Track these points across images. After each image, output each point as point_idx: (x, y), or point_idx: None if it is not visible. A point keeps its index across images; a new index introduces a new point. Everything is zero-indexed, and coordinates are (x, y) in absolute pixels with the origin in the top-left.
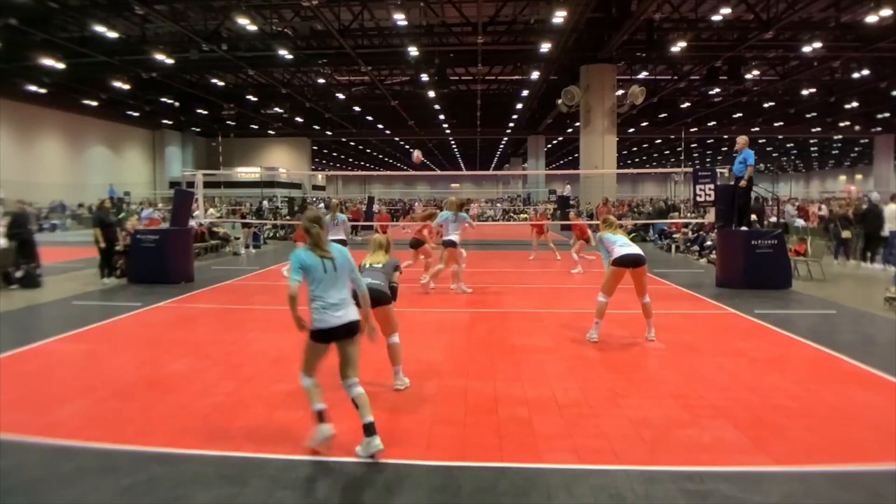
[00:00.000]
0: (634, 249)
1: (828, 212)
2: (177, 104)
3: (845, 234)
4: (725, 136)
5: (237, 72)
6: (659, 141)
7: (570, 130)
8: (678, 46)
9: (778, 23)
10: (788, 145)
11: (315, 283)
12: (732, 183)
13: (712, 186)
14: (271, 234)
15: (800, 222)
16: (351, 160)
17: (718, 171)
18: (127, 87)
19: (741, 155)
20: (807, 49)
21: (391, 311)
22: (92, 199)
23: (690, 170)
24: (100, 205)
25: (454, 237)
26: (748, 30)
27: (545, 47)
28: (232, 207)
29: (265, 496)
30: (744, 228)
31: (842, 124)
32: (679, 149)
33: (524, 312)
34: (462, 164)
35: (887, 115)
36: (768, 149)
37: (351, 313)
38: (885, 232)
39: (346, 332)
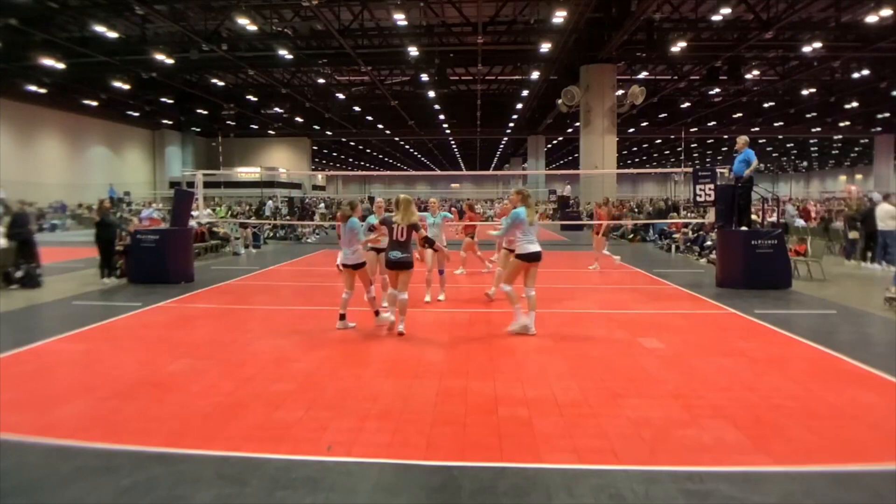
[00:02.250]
0: (538, 246)
1: (825, 211)
2: (175, 103)
3: (852, 234)
4: (725, 136)
5: (237, 72)
6: (659, 141)
7: (570, 130)
8: (678, 46)
9: (778, 23)
10: (788, 145)
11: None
12: (732, 183)
13: (712, 186)
14: (271, 235)
15: (800, 222)
16: (351, 160)
17: (718, 170)
18: (127, 87)
19: (741, 155)
20: (807, 49)
21: (410, 274)
22: (92, 200)
23: (690, 170)
24: (99, 204)
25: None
26: (748, 30)
27: (545, 47)
28: (234, 209)
29: (265, 496)
30: (744, 228)
31: (842, 124)
32: (679, 149)
33: None
34: (462, 164)
35: (887, 114)
36: (768, 149)
37: (351, 259)
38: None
39: (354, 267)
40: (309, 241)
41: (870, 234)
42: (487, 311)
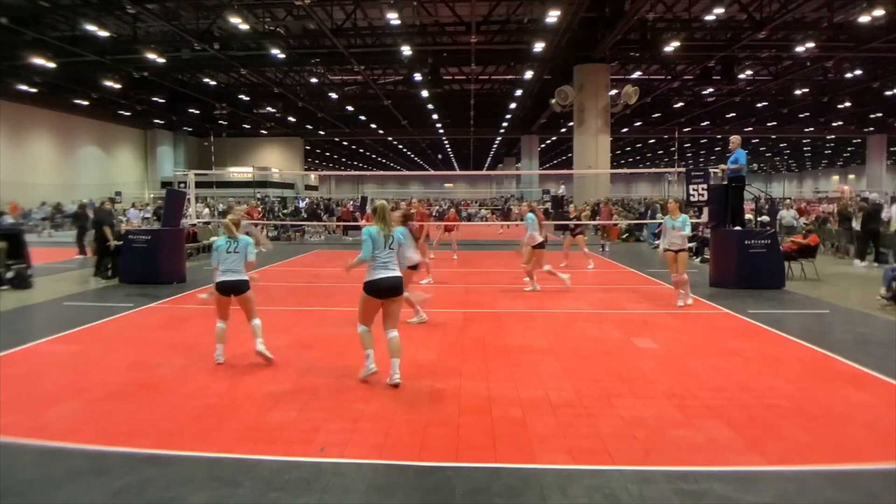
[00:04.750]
0: (393, 271)
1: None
2: (167, 103)
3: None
4: (719, 136)
5: (229, 71)
6: (652, 141)
7: (563, 130)
8: (671, 46)
9: (771, 23)
10: (781, 145)
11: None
12: (725, 183)
13: (705, 186)
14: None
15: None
16: (344, 160)
17: (711, 170)
18: (118, 86)
19: (733, 155)
20: (800, 49)
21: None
22: (83, 200)
23: (683, 170)
24: (100, 205)
25: None
26: (741, 30)
27: (539, 47)
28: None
29: (258, 498)
30: (737, 228)
31: (835, 124)
32: (672, 148)
33: (518, 313)
34: (455, 164)
35: (880, 114)
36: (762, 149)
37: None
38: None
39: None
40: (312, 240)
41: (871, 234)
42: (481, 312)
